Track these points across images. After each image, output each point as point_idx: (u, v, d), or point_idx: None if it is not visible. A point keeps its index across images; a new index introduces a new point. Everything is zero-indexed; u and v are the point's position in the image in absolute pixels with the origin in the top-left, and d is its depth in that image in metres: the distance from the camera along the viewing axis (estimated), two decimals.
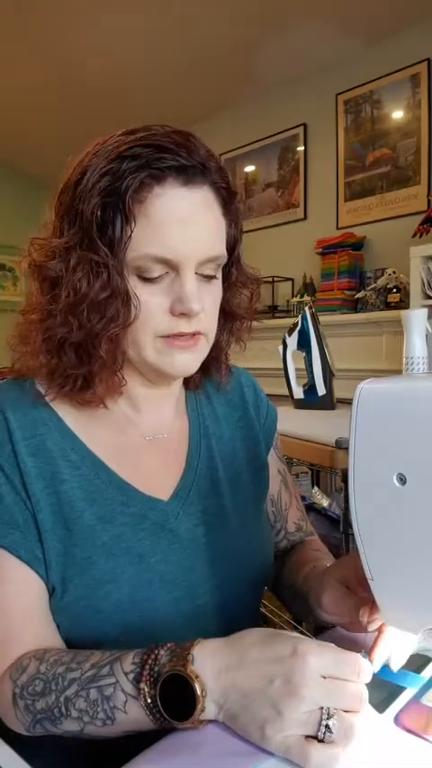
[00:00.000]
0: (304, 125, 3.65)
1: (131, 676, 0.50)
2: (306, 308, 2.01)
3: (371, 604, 0.56)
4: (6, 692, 0.57)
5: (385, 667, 0.56)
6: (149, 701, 0.48)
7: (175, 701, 0.48)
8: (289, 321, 2.22)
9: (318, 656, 0.46)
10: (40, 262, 0.62)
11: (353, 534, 0.52)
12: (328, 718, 0.44)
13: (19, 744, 0.57)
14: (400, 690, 0.55)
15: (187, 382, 0.78)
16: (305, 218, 3.69)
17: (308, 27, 3.03)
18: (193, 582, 0.66)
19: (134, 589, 0.62)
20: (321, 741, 0.44)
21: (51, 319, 0.61)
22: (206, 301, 0.64)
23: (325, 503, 2.05)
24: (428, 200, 2.92)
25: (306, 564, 0.76)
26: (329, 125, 3.47)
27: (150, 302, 0.61)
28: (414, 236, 2.77)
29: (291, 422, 1.72)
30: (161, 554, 0.65)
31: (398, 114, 3.15)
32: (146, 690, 0.48)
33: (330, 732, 0.44)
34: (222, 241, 0.65)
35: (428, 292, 2.56)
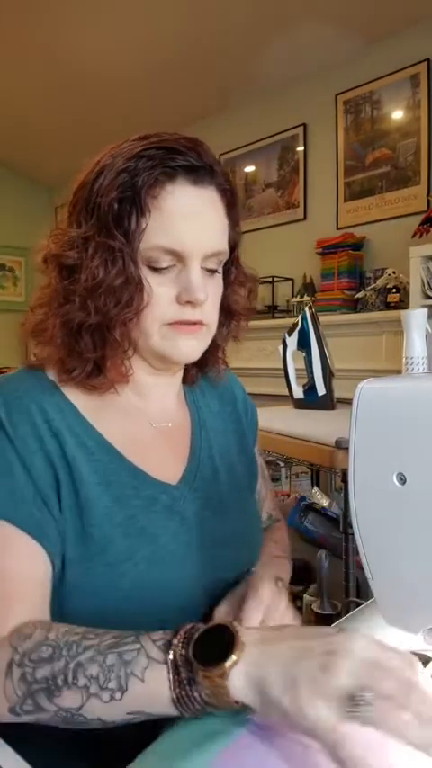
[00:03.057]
0: (304, 125, 3.64)
1: (160, 643, 0.49)
2: (306, 308, 2.01)
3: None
4: (1, 660, 0.54)
5: None
6: (182, 652, 0.47)
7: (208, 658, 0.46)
8: (289, 321, 2.22)
9: (364, 638, 0.43)
10: (58, 251, 0.66)
11: (353, 534, 0.52)
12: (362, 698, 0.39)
13: (18, 743, 0.56)
14: None
15: (185, 377, 0.82)
16: (305, 218, 3.69)
17: (308, 27, 3.03)
18: (198, 562, 0.69)
19: (149, 566, 0.65)
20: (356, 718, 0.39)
21: (70, 304, 0.65)
22: (209, 293, 0.69)
23: (325, 503, 2.06)
24: (428, 201, 2.93)
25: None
26: (329, 125, 3.47)
27: (159, 291, 0.66)
28: (414, 236, 2.77)
29: (291, 422, 1.72)
30: (171, 534, 0.68)
31: (398, 114, 3.15)
32: (178, 645, 0.47)
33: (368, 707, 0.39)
34: (225, 238, 0.70)
35: (428, 292, 2.56)
